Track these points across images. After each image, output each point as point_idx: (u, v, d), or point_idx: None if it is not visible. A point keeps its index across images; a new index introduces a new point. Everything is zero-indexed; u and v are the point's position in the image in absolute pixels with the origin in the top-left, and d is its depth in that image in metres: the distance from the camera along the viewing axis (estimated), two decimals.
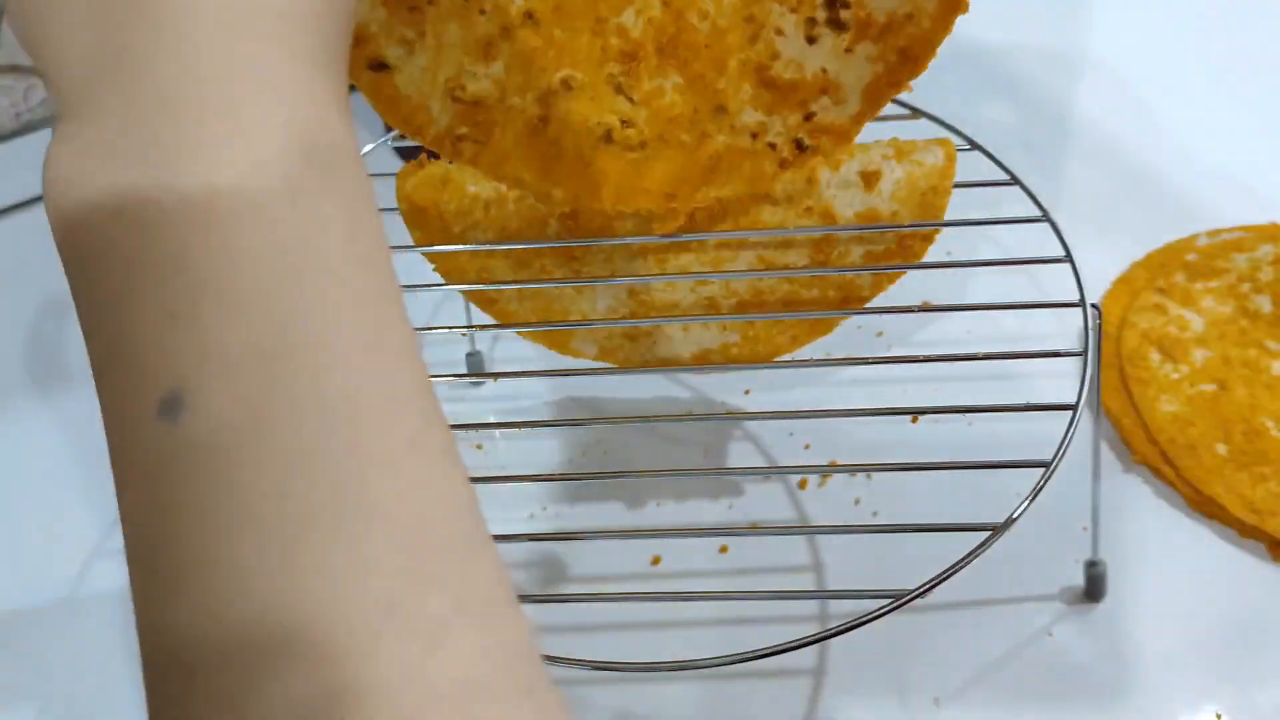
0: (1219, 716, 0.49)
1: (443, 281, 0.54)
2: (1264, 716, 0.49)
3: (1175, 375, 0.61)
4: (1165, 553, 0.55)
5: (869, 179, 0.49)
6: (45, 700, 0.55)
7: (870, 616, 0.39)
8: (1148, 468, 0.58)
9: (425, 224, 0.51)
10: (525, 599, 0.43)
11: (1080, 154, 0.76)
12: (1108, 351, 0.63)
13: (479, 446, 0.63)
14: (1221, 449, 0.57)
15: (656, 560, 0.57)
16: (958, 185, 0.50)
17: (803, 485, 0.59)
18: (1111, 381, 0.61)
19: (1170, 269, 0.66)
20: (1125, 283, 0.66)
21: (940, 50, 0.72)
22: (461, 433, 0.58)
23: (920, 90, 0.79)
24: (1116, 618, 0.53)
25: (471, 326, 0.61)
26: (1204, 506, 0.56)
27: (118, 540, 0.62)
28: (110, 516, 0.61)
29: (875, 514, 0.58)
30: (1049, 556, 0.55)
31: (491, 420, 0.64)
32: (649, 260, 0.51)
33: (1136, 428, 0.59)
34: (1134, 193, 0.73)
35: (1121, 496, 0.57)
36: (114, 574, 0.59)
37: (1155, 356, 0.62)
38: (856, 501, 0.59)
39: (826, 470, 0.59)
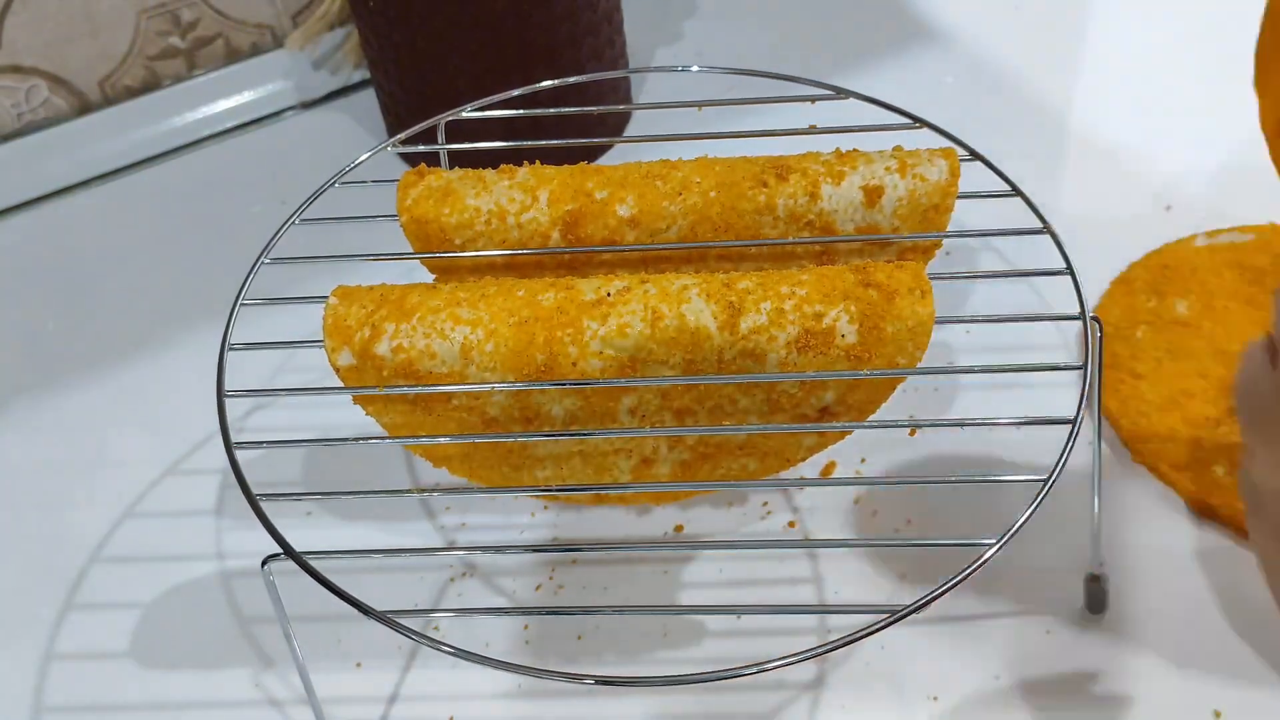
0: (1218, 715, 0.50)
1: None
2: (1264, 716, 0.50)
3: (1174, 375, 0.61)
4: (1166, 553, 0.55)
5: (871, 195, 0.48)
6: (45, 700, 0.55)
7: (867, 631, 0.40)
8: (1147, 468, 0.58)
9: (425, 236, 0.50)
10: (523, 610, 0.44)
11: (1079, 154, 0.76)
12: (1106, 352, 0.63)
13: None
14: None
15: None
16: (960, 197, 0.49)
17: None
18: (1111, 382, 0.61)
19: (1169, 269, 0.66)
20: (1124, 283, 0.66)
21: (939, 51, 0.71)
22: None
23: (918, 90, 0.79)
24: (1117, 617, 0.53)
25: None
26: (1204, 507, 0.56)
27: (118, 541, 0.61)
28: (110, 516, 0.62)
29: (875, 513, 0.58)
30: (1051, 563, 0.55)
31: None
32: (647, 273, 0.49)
33: (1136, 428, 0.59)
34: (1132, 193, 0.73)
35: (1122, 498, 0.57)
36: (114, 575, 0.59)
37: (1154, 356, 0.62)
38: (856, 500, 0.59)
39: (825, 484, 0.59)
